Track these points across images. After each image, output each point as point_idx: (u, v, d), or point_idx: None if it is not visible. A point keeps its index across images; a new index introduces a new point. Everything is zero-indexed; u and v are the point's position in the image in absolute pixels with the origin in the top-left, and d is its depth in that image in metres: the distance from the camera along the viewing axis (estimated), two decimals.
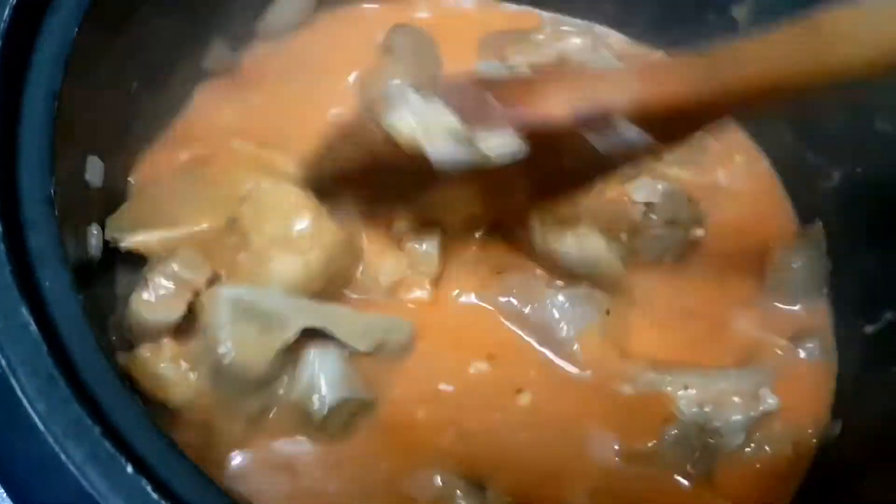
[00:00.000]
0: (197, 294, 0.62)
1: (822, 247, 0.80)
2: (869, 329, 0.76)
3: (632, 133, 0.54)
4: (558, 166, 0.59)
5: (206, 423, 0.62)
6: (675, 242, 0.77)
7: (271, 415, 0.64)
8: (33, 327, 0.48)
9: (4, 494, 0.49)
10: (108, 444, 0.46)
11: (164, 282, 0.62)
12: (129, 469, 0.45)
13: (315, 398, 0.63)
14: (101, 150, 0.68)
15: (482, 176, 0.57)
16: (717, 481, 0.69)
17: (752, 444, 0.70)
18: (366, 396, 0.66)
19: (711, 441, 0.69)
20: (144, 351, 0.61)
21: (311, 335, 0.63)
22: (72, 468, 0.45)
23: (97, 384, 0.49)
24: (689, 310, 0.77)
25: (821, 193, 0.83)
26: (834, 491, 0.70)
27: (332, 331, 0.63)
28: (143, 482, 0.45)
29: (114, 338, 0.63)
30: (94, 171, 0.66)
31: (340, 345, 0.64)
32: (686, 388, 0.69)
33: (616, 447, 0.68)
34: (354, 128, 0.63)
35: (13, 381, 0.46)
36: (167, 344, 0.62)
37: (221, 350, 0.59)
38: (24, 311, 0.48)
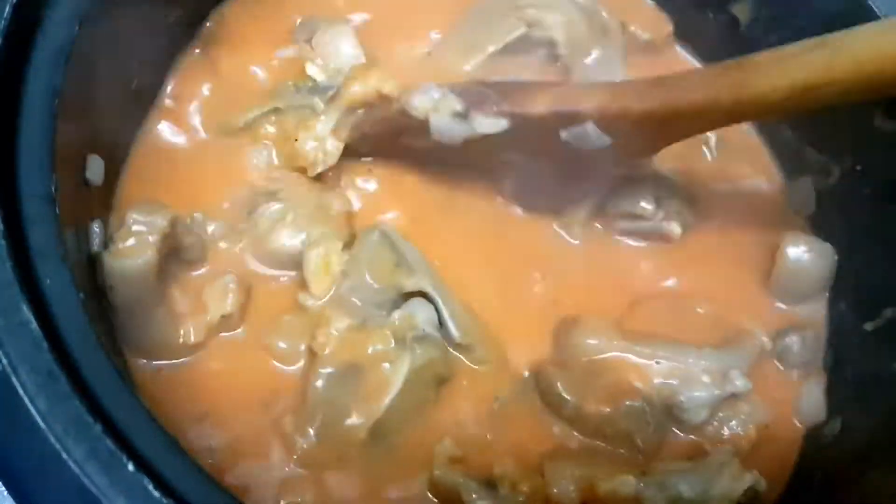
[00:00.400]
0: (165, 236, 0.65)
1: (828, 252, 0.80)
2: (868, 326, 0.76)
3: (594, 133, 0.70)
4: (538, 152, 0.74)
5: None
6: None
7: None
8: (34, 325, 0.48)
9: (5, 492, 0.49)
10: (108, 441, 0.46)
11: (128, 231, 0.65)
12: (130, 466, 0.45)
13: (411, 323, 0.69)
14: (102, 147, 0.68)
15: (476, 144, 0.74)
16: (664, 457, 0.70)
17: (714, 423, 0.71)
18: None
19: (671, 416, 0.70)
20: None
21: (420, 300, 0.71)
22: (72, 465, 0.45)
23: (97, 381, 0.49)
24: (685, 293, 0.79)
25: (821, 190, 0.83)
26: (834, 488, 0.70)
27: (443, 307, 0.70)
28: (144, 479, 0.45)
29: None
30: (95, 168, 0.66)
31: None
32: (657, 361, 0.71)
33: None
34: (381, 106, 0.76)
35: (14, 379, 0.46)
36: None
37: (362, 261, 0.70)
38: (25, 309, 0.48)
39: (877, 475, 0.68)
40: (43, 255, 0.51)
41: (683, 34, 0.92)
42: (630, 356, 0.71)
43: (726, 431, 0.72)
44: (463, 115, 0.72)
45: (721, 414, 0.72)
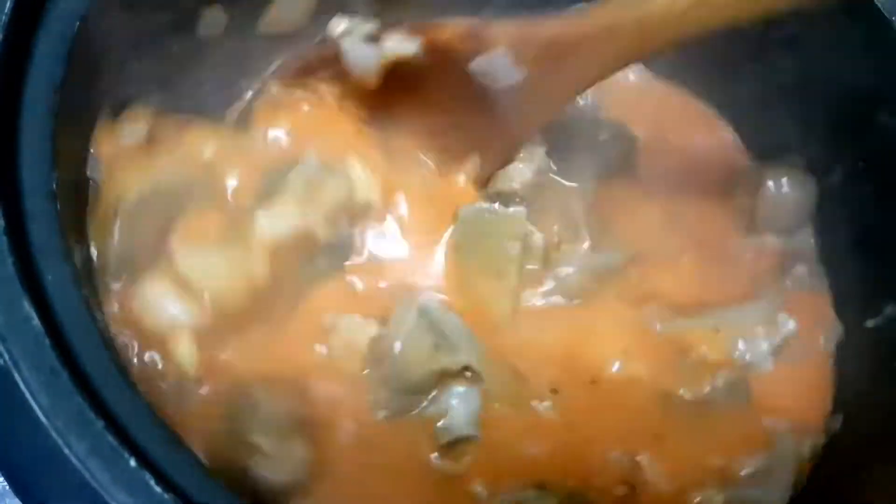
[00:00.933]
0: None
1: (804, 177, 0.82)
2: (870, 323, 0.76)
3: (502, 65, 0.70)
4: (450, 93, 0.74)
5: None
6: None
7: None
8: (36, 321, 0.48)
9: (7, 487, 0.49)
10: (110, 438, 0.46)
11: None
12: (132, 462, 0.45)
13: (445, 423, 0.67)
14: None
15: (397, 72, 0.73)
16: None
17: (778, 366, 0.74)
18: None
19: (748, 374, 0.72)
20: None
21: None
22: (74, 461, 0.45)
23: (100, 377, 0.49)
24: (685, 248, 0.81)
25: (823, 187, 0.83)
26: (835, 485, 0.71)
27: (486, 380, 0.68)
28: (146, 475, 0.45)
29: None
30: (96, 164, 0.66)
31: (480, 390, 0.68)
32: (717, 330, 0.73)
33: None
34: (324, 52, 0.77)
35: (16, 375, 0.46)
36: None
37: (396, 347, 0.66)
38: (27, 305, 0.48)
39: (879, 472, 0.68)
40: (44, 251, 0.51)
41: None
42: (696, 330, 0.73)
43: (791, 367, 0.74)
44: (374, 38, 0.72)
45: (779, 358, 0.74)
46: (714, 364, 0.72)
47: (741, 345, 0.73)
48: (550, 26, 0.70)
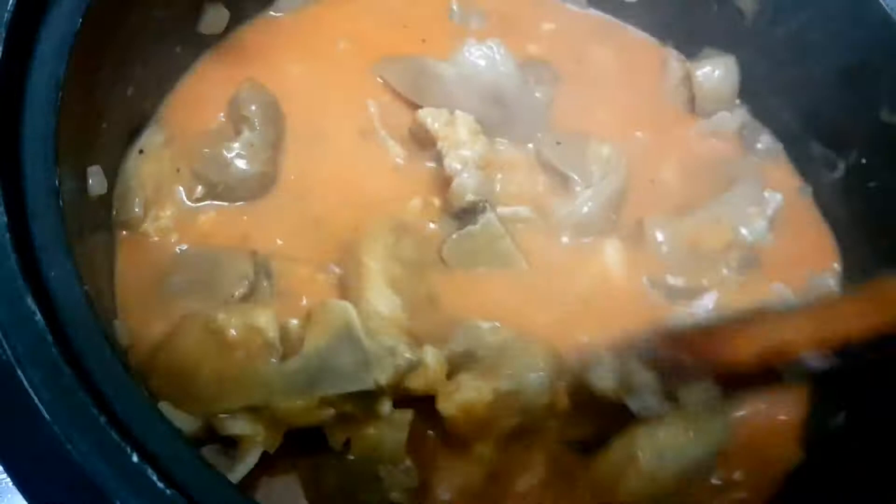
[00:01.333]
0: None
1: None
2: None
3: (814, 361, 0.61)
4: None
5: None
6: None
7: None
8: (38, 317, 0.48)
9: (10, 483, 0.49)
10: (113, 433, 0.46)
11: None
12: (135, 458, 0.46)
13: None
14: (104, 142, 0.68)
15: None
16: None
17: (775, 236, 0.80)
18: None
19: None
20: None
21: None
22: (77, 457, 0.45)
23: (102, 373, 0.49)
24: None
25: (826, 184, 0.83)
26: (838, 482, 0.70)
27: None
28: (149, 471, 0.45)
29: None
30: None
31: None
32: (719, 221, 0.78)
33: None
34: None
35: (18, 371, 0.46)
36: None
37: None
38: (30, 301, 0.48)
39: (881, 470, 0.68)
40: (47, 247, 0.51)
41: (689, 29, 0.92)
42: (702, 223, 0.78)
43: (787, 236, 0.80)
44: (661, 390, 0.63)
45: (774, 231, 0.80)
46: (722, 250, 0.77)
47: (742, 228, 0.78)
48: (835, 331, 0.62)
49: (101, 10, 0.61)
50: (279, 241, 0.74)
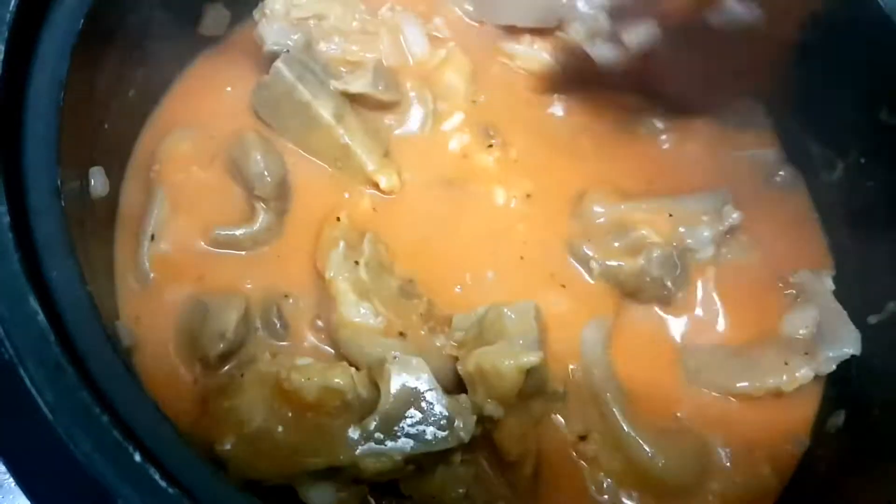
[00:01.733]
0: None
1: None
2: (873, 319, 0.76)
3: (738, 7, 0.70)
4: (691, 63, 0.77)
5: None
6: None
7: None
8: (41, 317, 0.48)
9: (13, 483, 0.49)
10: (115, 433, 0.46)
11: None
12: (137, 457, 0.46)
13: None
14: (106, 142, 0.68)
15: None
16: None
17: (722, 253, 0.81)
18: None
19: (686, 257, 0.79)
20: None
21: None
22: (79, 456, 0.45)
23: (104, 373, 0.49)
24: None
25: (825, 183, 0.83)
26: (839, 481, 0.71)
27: None
28: (151, 470, 0.46)
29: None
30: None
31: None
32: (670, 214, 0.79)
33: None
34: None
35: (21, 370, 0.47)
36: None
37: None
38: (32, 301, 0.48)
39: (881, 469, 0.68)
40: (49, 247, 0.52)
41: None
42: (637, 214, 0.79)
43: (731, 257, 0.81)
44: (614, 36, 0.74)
45: (724, 248, 0.81)
46: (652, 243, 0.77)
47: (683, 229, 0.79)
48: None
49: (103, 11, 0.61)
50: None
